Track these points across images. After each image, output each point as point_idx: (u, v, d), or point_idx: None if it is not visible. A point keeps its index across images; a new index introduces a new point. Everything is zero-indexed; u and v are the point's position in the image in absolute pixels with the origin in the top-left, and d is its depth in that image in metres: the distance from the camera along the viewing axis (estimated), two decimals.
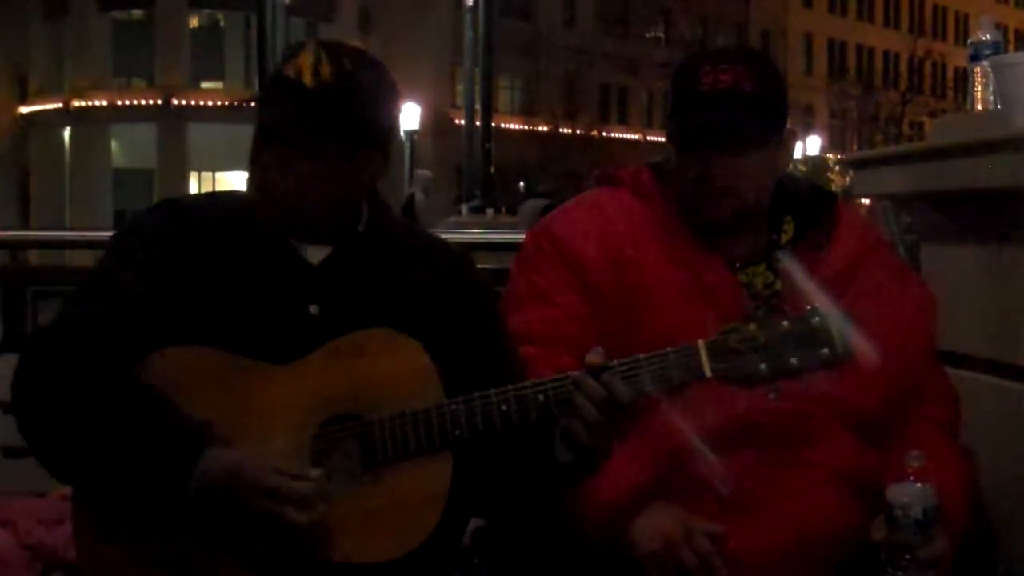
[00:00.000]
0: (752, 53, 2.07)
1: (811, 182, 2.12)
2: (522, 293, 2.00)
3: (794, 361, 1.61)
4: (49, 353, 1.69)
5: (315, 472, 1.63)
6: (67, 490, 1.85)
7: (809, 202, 2.02)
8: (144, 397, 1.65)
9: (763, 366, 1.61)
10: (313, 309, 1.77)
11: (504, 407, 1.66)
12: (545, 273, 1.98)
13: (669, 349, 1.64)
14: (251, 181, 1.76)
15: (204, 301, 1.74)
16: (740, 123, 1.88)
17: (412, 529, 1.68)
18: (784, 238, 2.00)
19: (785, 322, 1.63)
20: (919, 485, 1.70)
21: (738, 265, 1.95)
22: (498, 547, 2.11)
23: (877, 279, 1.99)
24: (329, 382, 1.71)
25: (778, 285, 1.95)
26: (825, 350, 1.61)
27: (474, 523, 2.12)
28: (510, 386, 1.67)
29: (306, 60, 1.71)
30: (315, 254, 1.81)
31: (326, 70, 1.70)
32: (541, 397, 1.66)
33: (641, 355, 1.65)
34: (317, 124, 1.71)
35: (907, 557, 1.71)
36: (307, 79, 1.70)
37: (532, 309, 1.96)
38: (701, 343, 1.63)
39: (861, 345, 1.61)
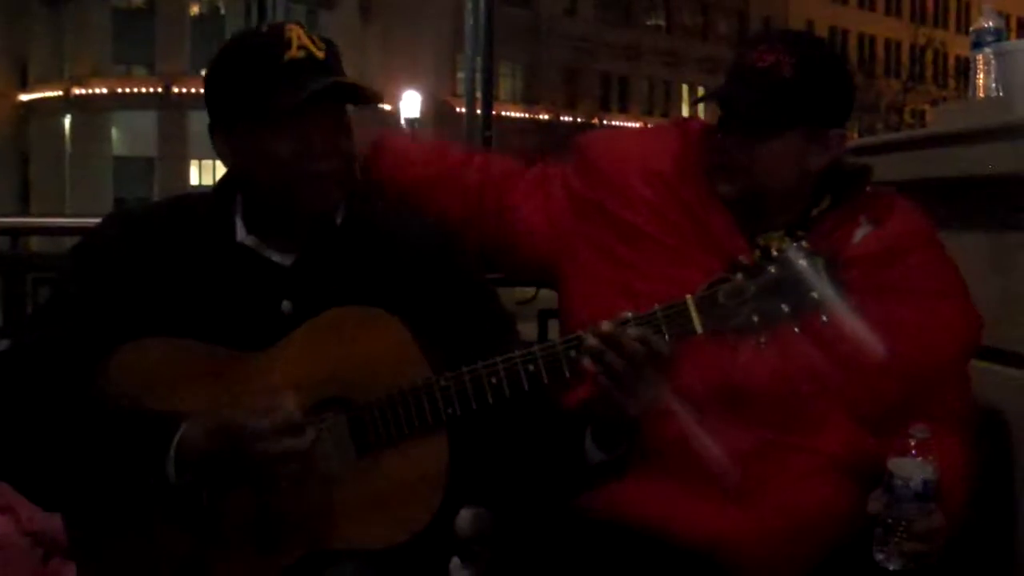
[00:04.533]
0: (817, 46, 1.92)
1: (864, 164, 2.03)
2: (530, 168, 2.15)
3: (785, 308, 1.58)
4: (7, 381, 1.64)
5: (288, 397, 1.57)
6: None
7: (849, 177, 1.97)
8: (108, 404, 1.61)
9: (755, 317, 1.59)
10: (285, 306, 1.72)
11: (494, 380, 1.63)
12: (561, 167, 2.09)
13: (657, 307, 1.61)
14: (259, 178, 1.71)
15: (168, 309, 1.69)
16: (754, 103, 1.85)
17: (415, 511, 1.66)
18: (816, 211, 1.95)
19: (772, 268, 1.59)
20: (920, 459, 1.71)
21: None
22: (499, 534, 2.11)
23: (913, 280, 1.92)
24: (311, 366, 1.67)
25: None
26: (814, 293, 1.58)
27: (474, 510, 2.12)
28: (499, 358, 1.64)
29: (300, 36, 1.69)
30: (286, 257, 1.76)
31: (319, 41, 1.71)
32: (531, 367, 1.63)
33: (629, 313, 1.63)
34: (343, 94, 1.71)
35: (902, 527, 1.72)
36: (317, 52, 1.69)
37: (526, 175, 2.13)
38: (690, 299, 1.60)
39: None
